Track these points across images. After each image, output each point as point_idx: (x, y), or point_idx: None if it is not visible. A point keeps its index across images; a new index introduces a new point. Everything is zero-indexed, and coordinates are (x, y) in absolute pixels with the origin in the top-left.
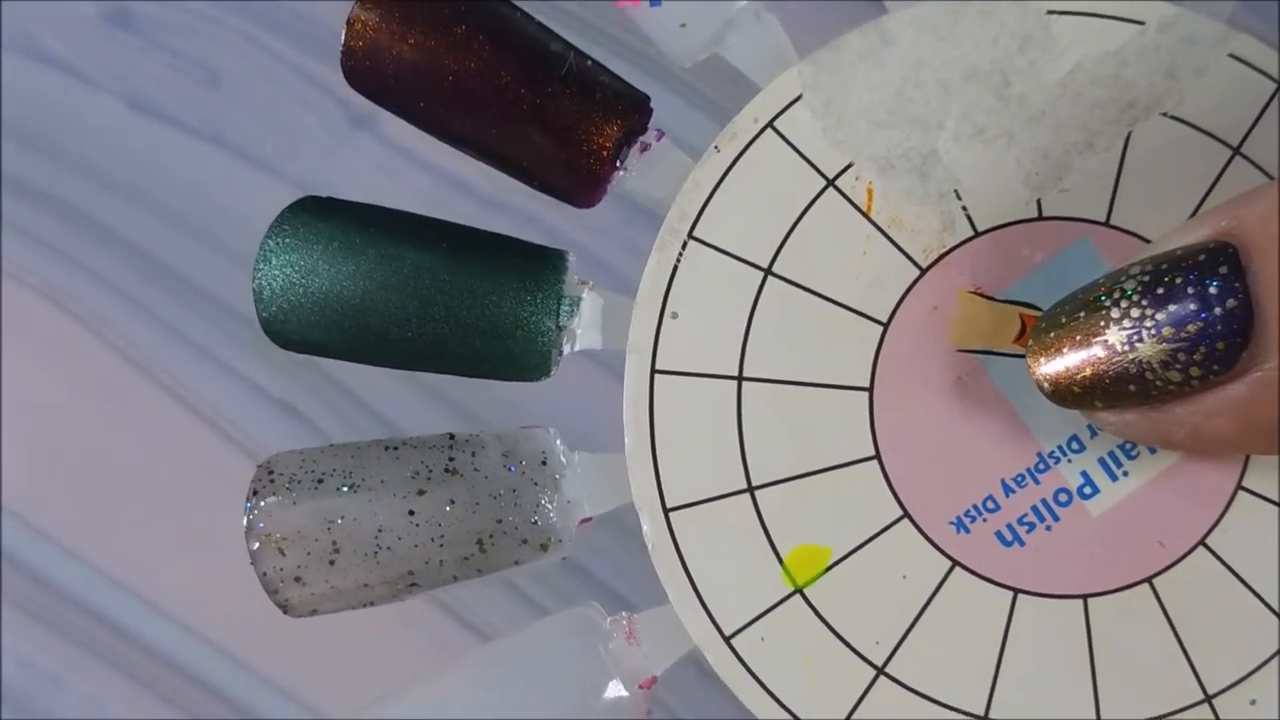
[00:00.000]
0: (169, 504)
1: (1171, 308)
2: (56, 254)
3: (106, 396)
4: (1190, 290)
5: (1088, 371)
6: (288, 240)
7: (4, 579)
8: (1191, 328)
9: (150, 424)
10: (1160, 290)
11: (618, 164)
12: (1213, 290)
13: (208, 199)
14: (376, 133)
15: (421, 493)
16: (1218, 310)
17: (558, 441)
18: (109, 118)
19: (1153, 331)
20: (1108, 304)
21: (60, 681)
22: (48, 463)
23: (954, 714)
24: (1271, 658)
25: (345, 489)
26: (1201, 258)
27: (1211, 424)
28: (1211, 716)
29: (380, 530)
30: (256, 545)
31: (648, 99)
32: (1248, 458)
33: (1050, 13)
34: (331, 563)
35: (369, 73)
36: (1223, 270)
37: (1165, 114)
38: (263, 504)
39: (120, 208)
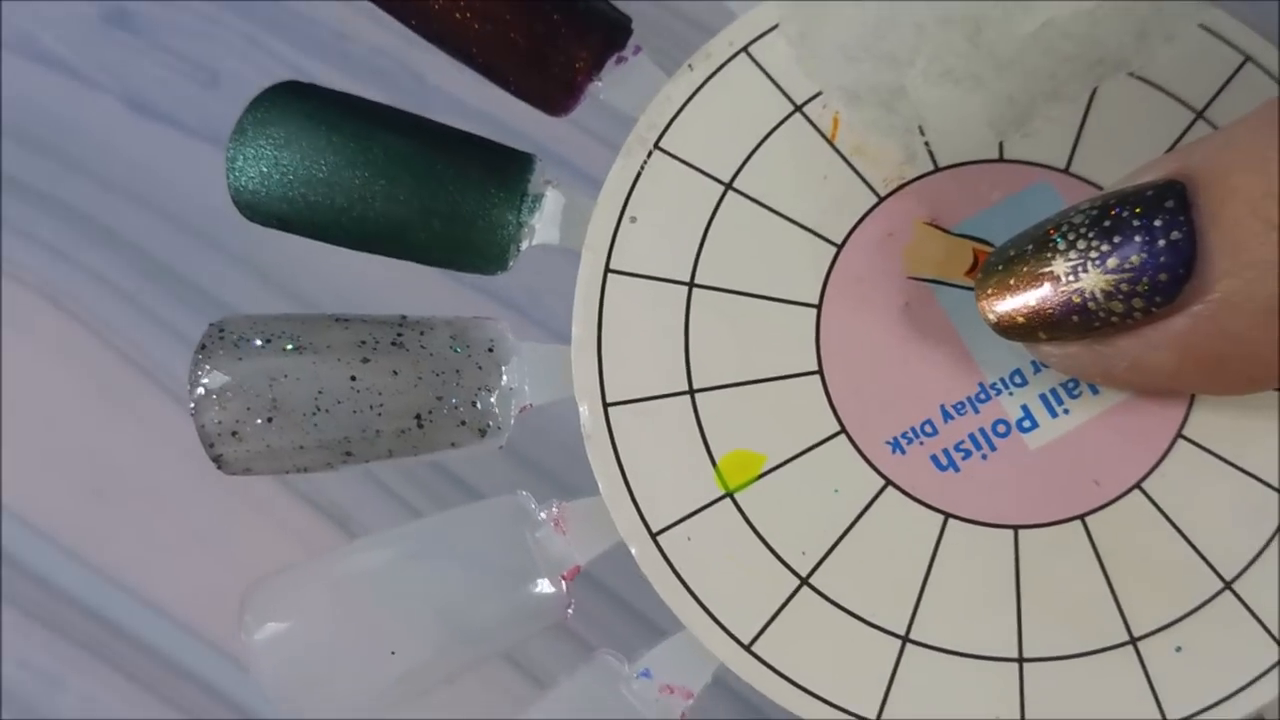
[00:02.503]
0: (169, 504)
1: (1117, 239)
2: (56, 254)
3: (106, 396)
4: (1136, 223)
5: (1033, 302)
6: (265, 114)
7: (4, 579)
8: (1135, 259)
9: (150, 424)
10: (1107, 223)
11: (593, 75)
12: (1158, 223)
13: (208, 199)
14: None
15: (365, 361)
16: (1161, 242)
17: (508, 334)
18: (109, 118)
19: (1097, 262)
20: (1055, 238)
21: (60, 682)
22: (48, 463)
23: (874, 631)
24: (1200, 606)
25: (290, 348)
26: (1149, 194)
27: (1152, 356)
28: (1135, 658)
29: (320, 392)
30: (199, 395)
31: (629, 19)
32: (1190, 406)
33: None
34: (270, 419)
35: None
36: (1169, 204)
37: (1132, 74)
38: (209, 359)
39: (120, 208)
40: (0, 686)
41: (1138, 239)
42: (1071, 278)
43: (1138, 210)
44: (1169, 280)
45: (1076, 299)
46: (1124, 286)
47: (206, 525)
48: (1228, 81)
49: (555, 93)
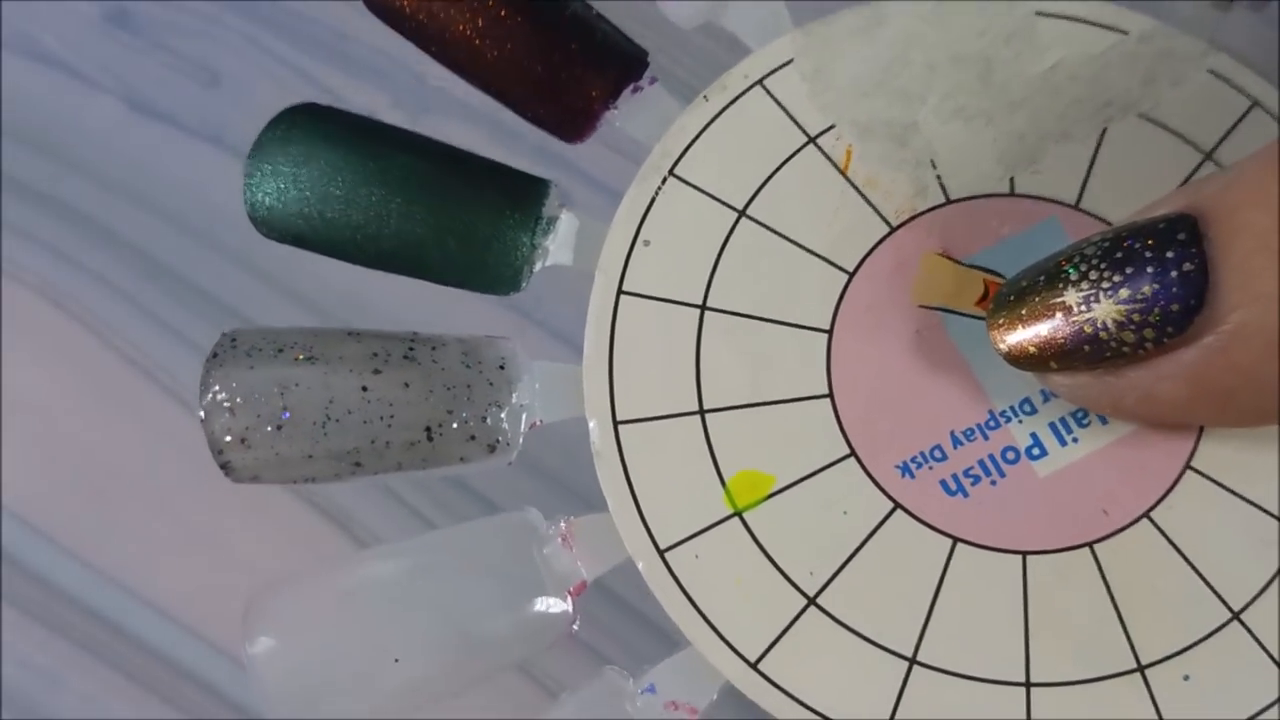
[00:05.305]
0: (169, 504)
1: (1129, 270)
2: (56, 254)
3: (106, 396)
4: (1148, 254)
5: (1044, 332)
6: (285, 133)
7: (4, 579)
8: (1147, 289)
9: (150, 424)
10: (1119, 255)
11: (609, 104)
12: (1169, 255)
13: (208, 199)
14: None
15: (377, 372)
16: (1173, 274)
17: (519, 353)
18: (109, 118)
19: (1109, 292)
20: (1068, 269)
21: (60, 681)
22: (48, 463)
23: (881, 651)
24: (1208, 636)
25: (303, 358)
26: (1161, 226)
27: (1163, 387)
28: (1143, 686)
29: (331, 401)
30: (209, 401)
31: (645, 53)
32: (1198, 439)
33: (1038, 14)
34: (279, 428)
35: None
36: (1181, 237)
37: (1143, 115)
38: (220, 366)
39: (120, 208)
40: (0, 686)
41: (1149, 270)
42: (1083, 308)
43: (1150, 242)
44: (1180, 311)
45: (1088, 329)
46: (1135, 317)
47: (206, 525)
48: (1235, 125)
49: (571, 120)
